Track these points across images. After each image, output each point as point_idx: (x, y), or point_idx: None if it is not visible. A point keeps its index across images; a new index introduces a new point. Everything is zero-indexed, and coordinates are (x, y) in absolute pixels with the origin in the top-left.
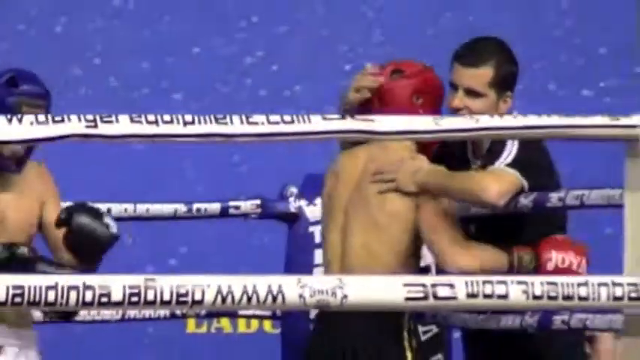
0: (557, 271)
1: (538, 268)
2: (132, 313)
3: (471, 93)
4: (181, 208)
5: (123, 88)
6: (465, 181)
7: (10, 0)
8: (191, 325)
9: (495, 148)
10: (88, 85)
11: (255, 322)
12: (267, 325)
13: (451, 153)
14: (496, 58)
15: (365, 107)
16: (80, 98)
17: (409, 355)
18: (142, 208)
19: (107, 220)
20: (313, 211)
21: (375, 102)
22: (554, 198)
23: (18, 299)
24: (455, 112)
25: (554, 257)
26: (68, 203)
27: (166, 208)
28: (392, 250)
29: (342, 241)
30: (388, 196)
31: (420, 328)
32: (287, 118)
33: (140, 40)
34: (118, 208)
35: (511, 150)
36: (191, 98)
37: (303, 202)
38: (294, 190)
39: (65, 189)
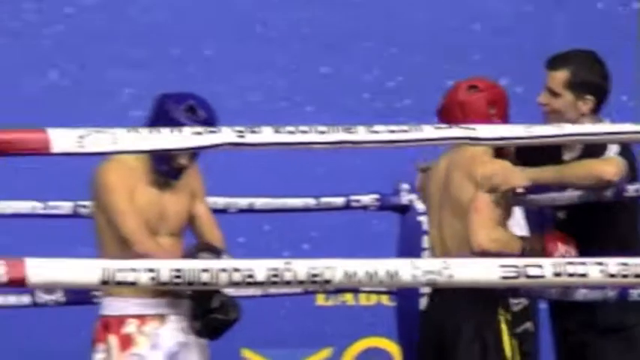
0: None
1: (545, 256)
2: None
3: (551, 92)
4: (311, 201)
5: (264, 102)
6: (580, 169)
7: None
8: (320, 299)
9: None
10: (232, 100)
11: (374, 296)
12: (385, 298)
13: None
14: (575, 65)
15: (447, 118)
16: (227, 111)
17: (504, 327)
18: (279, 202)
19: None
20: (421, 203)
21: (458, 114)
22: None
23: (178, 280)
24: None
25: (559, 248)
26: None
27: (299, 202)
28: None
29: (438, 233)
30: (465, 191)
31: (512, 301)
32: (404, 127)
33: (276, 61)
34: (261, 202)
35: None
36: (321, 110)
37: (413, 196)
38: (405, 186)
39: (217, 186)
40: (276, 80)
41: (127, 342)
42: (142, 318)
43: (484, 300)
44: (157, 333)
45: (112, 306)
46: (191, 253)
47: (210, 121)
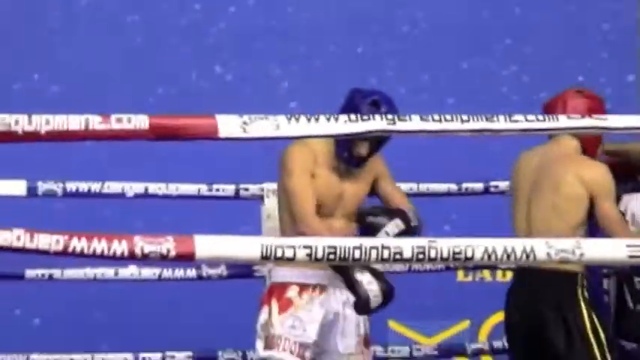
0: None
1: None
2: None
3: None
4: (453, 187)
5: (409, 94)
6: None
7: None
8: (460, 275)
9: None
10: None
11: (509, 273)
12: None
13: None
14: None
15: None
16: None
17: (583, 305)
18: (423, 187)
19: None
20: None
21: (559, 110)
22: None
23: (332, 256)
24: None
25: None
26: None
27: (441, 187)
28: (568, 225)
29: (527, 225)
30: (563, 184)
31: (636, 279)
32: (540, 117)
33: (425, 59)
34: (405, 187)
35: None
36: (461, 102)
37: None
38: None
39: None
40: (419, 74)
41: (286, 305)
42: (303, 286)
43: (565, 282)
44: (315, 300)
45: (278, 275)
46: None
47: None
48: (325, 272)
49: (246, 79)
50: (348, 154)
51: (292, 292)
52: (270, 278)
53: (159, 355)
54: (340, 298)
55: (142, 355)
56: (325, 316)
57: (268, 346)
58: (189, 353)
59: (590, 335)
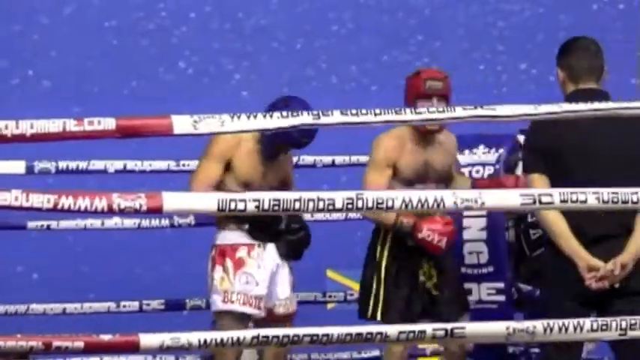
0: (422, 241)
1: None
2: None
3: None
4: None
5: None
6: None
7: None
8: None
9: None
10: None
11: None
12: None
13: None
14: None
15: None
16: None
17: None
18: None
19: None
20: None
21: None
22: None
23: (276, 207)
24: None
25: (424, 230)
26: None
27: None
28: None
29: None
30: None
31: (531, 231)
32: (440, 109)
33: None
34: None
35: None
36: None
37: None
38: None
39: None
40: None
41: (239, 264)
42: (250, 245)
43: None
44: (262, 257)
45: (226, 237)
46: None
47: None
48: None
49: (204, 73)
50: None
51: (242, 253)
52: (217, 240)
53: (136, 303)
54: (276, 252)
55: (122, 303)
56: (270, 268)
57: (227, 300)
58: (162, 301)
59: None
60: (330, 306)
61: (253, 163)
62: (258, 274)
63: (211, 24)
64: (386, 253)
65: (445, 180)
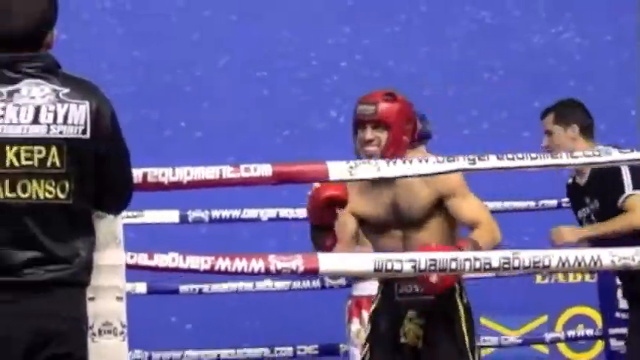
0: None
1: None
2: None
3: (547, 133)
4: (532, 204)
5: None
6: (619, 225)
7: None
8: (538, 278)
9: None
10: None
11: (580, 275)
12: (587, 276)
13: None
14: (557, 106)
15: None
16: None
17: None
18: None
19: None
20: None
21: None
22: None
23: (432, 267)
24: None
25: None
26: None
27: (522, 204)
28: None
29: None
30: None
31: None
32: (594, 152)
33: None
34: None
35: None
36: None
37: None
38: None
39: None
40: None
41: None
42: None
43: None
44: None
45: (362, 287)
46: None
47: None
48: None
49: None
50: None
51: None
52: (354, 291)
53: (290, 348)
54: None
55: (276, 348)
56: None
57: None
58: (316, 346)
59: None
60: (485, 352)
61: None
62: None
63: (362, 72)
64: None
65: (423, 223)
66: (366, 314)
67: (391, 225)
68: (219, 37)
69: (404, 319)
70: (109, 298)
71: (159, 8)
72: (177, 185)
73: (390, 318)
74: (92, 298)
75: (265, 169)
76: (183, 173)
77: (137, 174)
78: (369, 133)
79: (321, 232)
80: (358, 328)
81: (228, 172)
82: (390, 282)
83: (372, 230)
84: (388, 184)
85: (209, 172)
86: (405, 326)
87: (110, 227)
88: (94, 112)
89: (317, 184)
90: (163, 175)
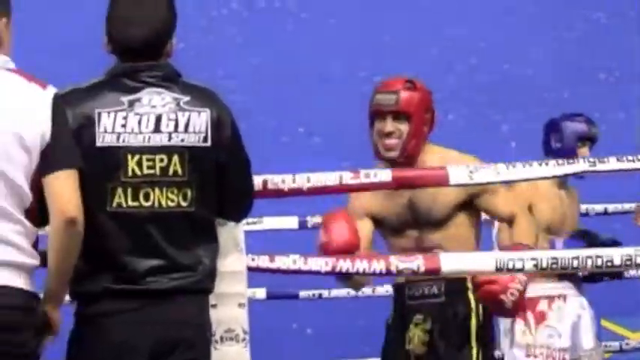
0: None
1: None
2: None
3: None
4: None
5: None
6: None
7: None
8: None
9: None
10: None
11: None
12: None
13: None
14: None
15: None
16: None
17: None
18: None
19: None
20: None
21: None
22: None
23: (554, 266)
24: None
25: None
26: None
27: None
28: None
29: None
30: None
31: None
32: None
33: None
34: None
35: None
36: None
37: None
38: None
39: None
40: None
41: (540, 317)
42: (549, 298)
43: None
44: (563, 309)
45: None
46: None
47: None
48: (562, 283)
49: (472, 124)
50: None
51: (543, 306)
52: None
53: None
54: (578, 301)
55: None
56: (572, 319)
57: (531, 354)
58: None
59: None
60: (606, 356)
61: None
62: (560, 327)
63: (477, 76)
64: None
65: (442, 224)
66: (531, 316)
67: (408, 225)
68: (334, 43)
69: (410, 324)
70: (231, 304)
71: (275, 15)
72: (297, 192)
73: (401, 324)
74: (214, 305)
75: (385, 175)
76: (303, 180)
77: (257, 181)
78: (390, 125)
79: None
80: (523, 330)
81: (348, 178)
82: (401, 286)
83: (388, 231)
84: None
85: (329, 179)
86: (411, 331)
87: (231, 234)
88: (214, 120)
89: (322, 236)
90: (283, 182)
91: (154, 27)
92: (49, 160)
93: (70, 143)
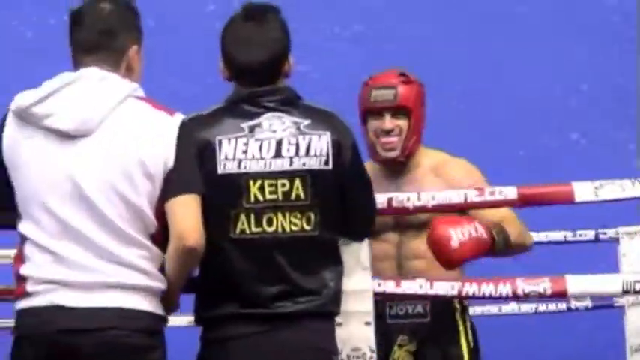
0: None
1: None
2: None
3: None
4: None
5: None
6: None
7: None
8: None
9: None
10: None
11: None
12: None
13: None
14: None
15: None
16: None
17: None
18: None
19: None
20: None
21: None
22: None
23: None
24: None
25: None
26: None
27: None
28: None
29: None
30: None
31: None
32: None
33: None
34: None
35: None
36: None
37: None
38: None
39: None
40: None
41: None
42: None
43: None
44: None
45: None
46: None
47: None
48: None
49: (595, 143)
50: None
51: None
52: None
53: None
54: None
55: None
56: None
57: None
58: None
59: None
60: None
61: None
62: None
63: (600, 96)
64: None
65: (424, 227)
66: None
67: (388, 228)
68: (457, 63)
69: (394, 344)
70: (357, 323)
71: (392, 32)
72: (422, 210)
73: (384, 343)
74: (340, 324)
75: (510, 192)
76: (429, 198)
77: (382, 200)
78: (389, 122)
79: None
80: None
81: (473, 195)
82: (380, 303)
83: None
84: (391, 183)
85: (455, 196)
86: (395, 353)
87: (356, 253)
88: (335, 142)
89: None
90: (408, 200)
91: (272, 47)
92: (171, 186)
93: (194, 169)
